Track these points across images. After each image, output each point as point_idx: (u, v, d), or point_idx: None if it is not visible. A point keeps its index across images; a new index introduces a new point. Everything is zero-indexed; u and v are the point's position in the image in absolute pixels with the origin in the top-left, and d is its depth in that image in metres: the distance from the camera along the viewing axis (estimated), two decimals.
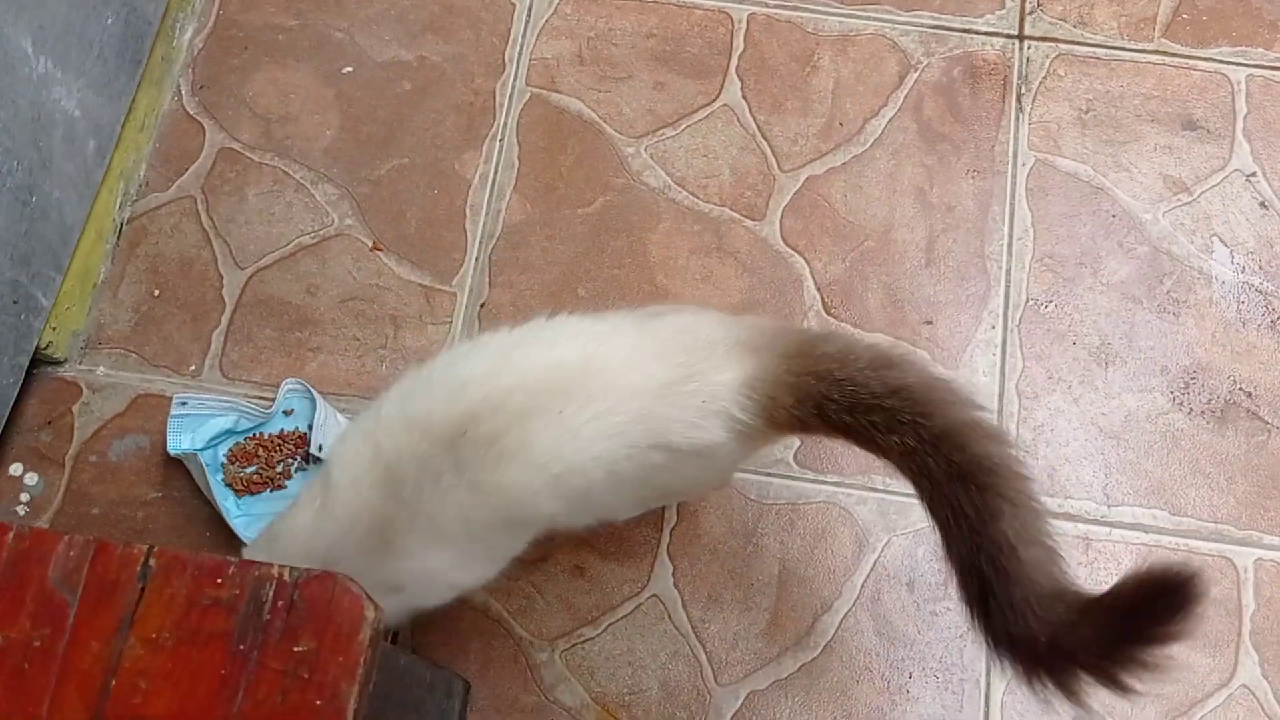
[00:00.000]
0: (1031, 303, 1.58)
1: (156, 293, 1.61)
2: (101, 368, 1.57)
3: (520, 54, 1.75)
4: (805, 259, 1.61)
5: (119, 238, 1.64)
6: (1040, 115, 1.68)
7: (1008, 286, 1.59)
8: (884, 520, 1.48)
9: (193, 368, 1.57)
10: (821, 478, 1.50)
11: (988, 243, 1.61)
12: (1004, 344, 1.56)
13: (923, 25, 1.74)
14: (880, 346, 1.14)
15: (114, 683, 0.71)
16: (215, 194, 1.66)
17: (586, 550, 1.47)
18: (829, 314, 1.58)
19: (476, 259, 1.63)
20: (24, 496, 1.51)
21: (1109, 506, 1.47)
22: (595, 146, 1.69)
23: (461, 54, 1.75)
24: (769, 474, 1.51)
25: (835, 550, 1.47)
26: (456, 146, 1.69)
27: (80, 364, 1.58)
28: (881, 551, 1.46)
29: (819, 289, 1.60)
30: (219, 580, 0.73)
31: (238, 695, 0.70)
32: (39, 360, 1.55)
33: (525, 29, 1.76)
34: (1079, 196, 1.63)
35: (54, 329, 1.54)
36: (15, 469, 1.53)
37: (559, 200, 1.66)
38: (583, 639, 1.44)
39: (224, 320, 1.60)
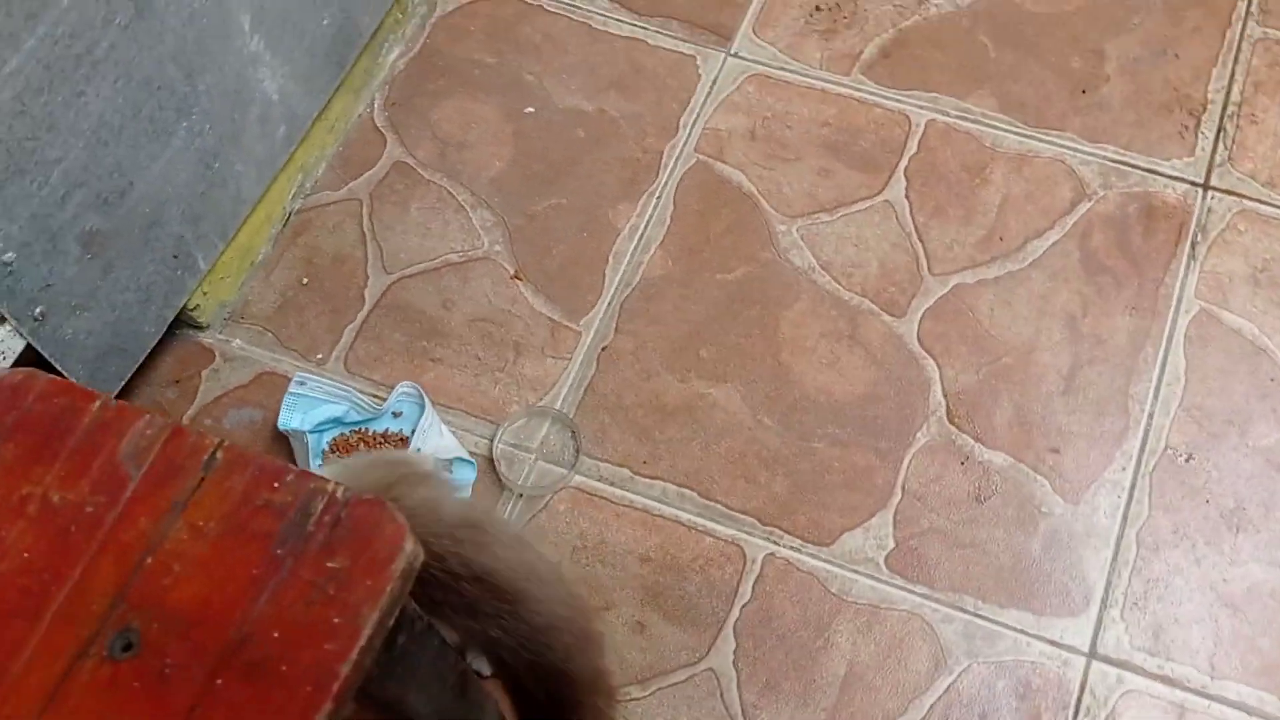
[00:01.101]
0: (1169, 451, 1.49)
1: (305, 281, 1.68)
2: (238, 340, 1.64)
3: (695, 121, 1.78)
4: (938, 363, 1.57)
5: (284, 225, 1.72)
6: (1212, 266, 1.61)
7: (1147, 430, 1.51)
8: (968, 644, 1.39)
9: (319, 356, 1.62)
10: (910, 586, 1.44)
11: (1134, 382, 1.54)
12: (1132, 488, 1.47)
13: (1105, 158, 1.70)
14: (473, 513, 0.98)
15: (149, 560, 0.71)
16: (381, 201, 1.73)
17: (651, 608, 1.43)
18: (952, 422, 1.53)
19: (609, 304, 1.64)
20: None
21: (1213, 678, 1.36)
22: (748, 219, 1.70)
23: (639, 113, 1.79)
24: (855, 570, 1.45)
25: (910, 664, 1.39)
26: (614, 197, 1.72)
27: (220, 333, 1.64)
28: (959, 676, 1.38)
29: (945, 396, 1.55)
30: (275, 484, 0.73)
31: (262, 596, 0.70)
32: (183, 321, 1.62)
33: (705, 100, 1.80)
34: (1239, 354, 1.55)
35: (204, 294, 1.61)
36: None
37: (701, 263, 1.67)
38: (628, 697, 1.39)
39: (359, 317, 1.65)
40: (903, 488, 1.50)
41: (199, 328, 1.64)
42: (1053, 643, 1.39)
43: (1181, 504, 1.46)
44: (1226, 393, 1.53)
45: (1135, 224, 1.65)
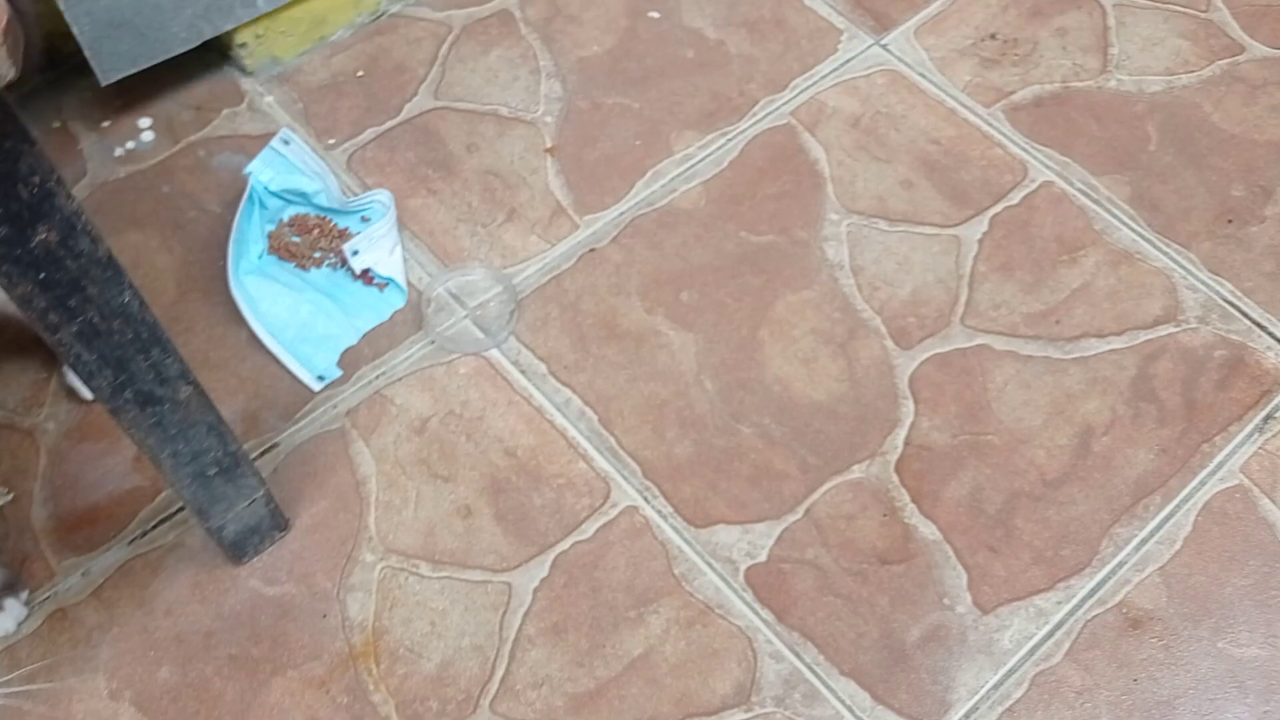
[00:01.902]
0: (1121, 609, 1.23)
1: (360, 74, 1.64)
2: (271, 98, 1.61)
3: (807, 88, 1.64)
4: (917, 410, 1.36)
5: (372, 20, 1.69)
6: (1276, 448, 1.33)
7: (1108, 578, 1.25)
8: (783, 692, 1.18)
9: (331, 141, 1.57)
10: (757, 606, 1.24)
11: (1121, 523, 1.28)
12: (1057, 626, 1.22)
13: (1217, 294, 1.45)
14: None
15: None
16: (469, 37, 1.68)
17: (487, 501, 1.29)
18: (898, 471, 1.32)
19: (621, 213, 1.52)
20: (129, 145, 1.56)
21: None
22: (804, 194, 1.54)
23: (756, 59, 1.67)
24: (710, 564, 1.26)
25: (711, 681, 1.19)
26: (686, 122, 1.60)
27: (259, 84, 1.62)
28: (753, 718, 1.17)
29: (906, 444, 1.34)
30: None
31: None
32: (231, 60, 1.61)
33: (830, 73, 1.66)
34: (1258, 547, 1.27)
35: (258, 37, 1.59)
36: (143, 122, 1.58)
37: (734, 214, 1.52)
38: (415, 570, 1.25)
39: (387, 125, 1.59)
40: (807, 510, 1.30)
41: (244, 71, 1.63)
42: None
43: (1104, 669, 1.20)
44: (1221, 581, 1.25)
45: (1214, 370, 1.39)
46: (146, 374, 0.88)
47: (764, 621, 1.23)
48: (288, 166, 1.48)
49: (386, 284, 1.44)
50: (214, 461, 1.05)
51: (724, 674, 1.20)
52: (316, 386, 1.37)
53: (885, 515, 1.30)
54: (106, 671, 1.19)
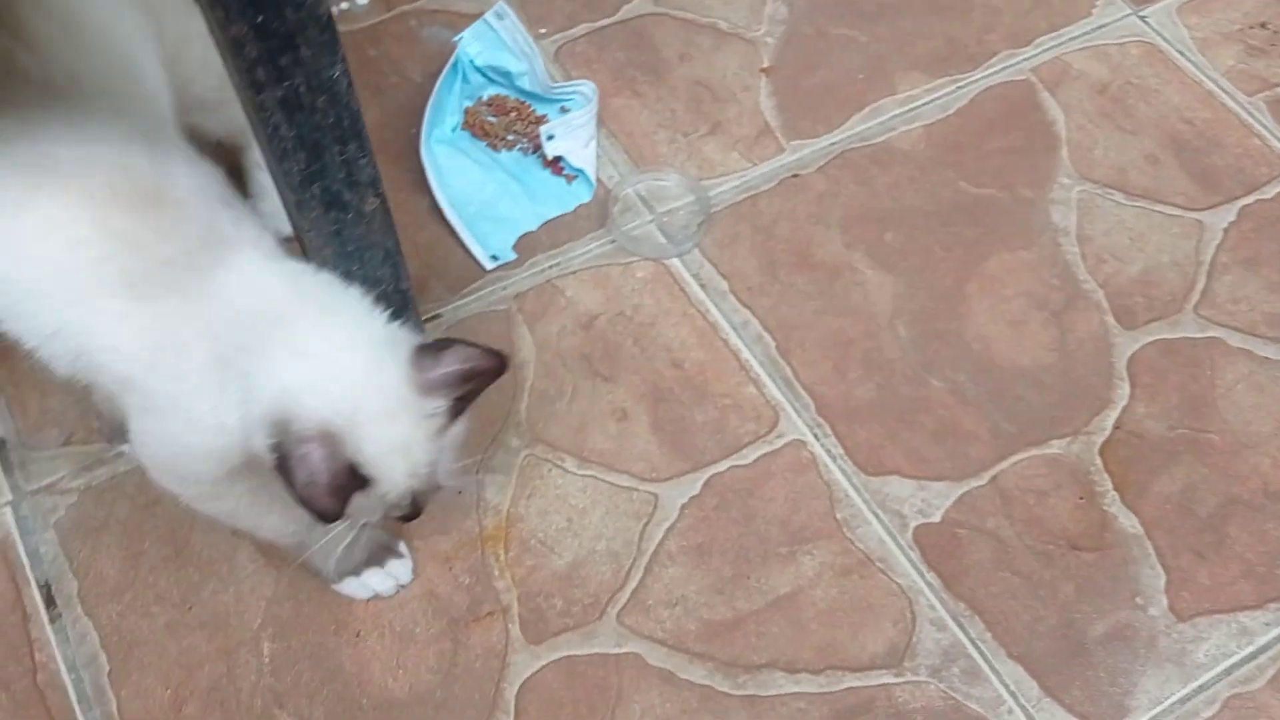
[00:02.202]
0: None
1: None
2: None
3: (1053, 46, 1.51)
4: (1133, 394, 1.22)
5: None
6: None
7: None
8: (940, 661, 1.06)
9: (543, 30, 1.51)
10: (922, 567, 1.12)
11: None
12: (1262, 650, 1.07)
13: None
14: None
15: None
16: None
17: (646, 408, 1.21)
18: (1102, 455, 1.18)
19: (832, 143, 1.42)
20: (344, 5, 1.54)
21: None
22: (1035, 153, 1.41)
23: (999, 9, 1.55)
24: (876, 513, 1.15)
25: (861, 635, 1.08)
26: (913, 63, 1.49)
27: None
28: (903, 683, 1.05)
29: (1117, 427, 1.20)
30: None
31: None
32: None
33: (1079, 35, 1.52)
34: None
35: None
36: None
37: (955, 163, 1.40)
38: (560, 465, 1.18)
39: (600, 22, 1.53)
40: (994, 478, 1.17)
41: None
42: None
43: None
44: None
45: None
46: (338, 170, 0.82)
47: (929, 585, 1.11)
48: (497, 42, 1.43)
49: (575, 176, 1.37)
50: (384, 296, 0.98)
51: (877, 631, 1.08)
52: (489, 265, 1.31)
53: (1082, 498, 1.16)
54: None
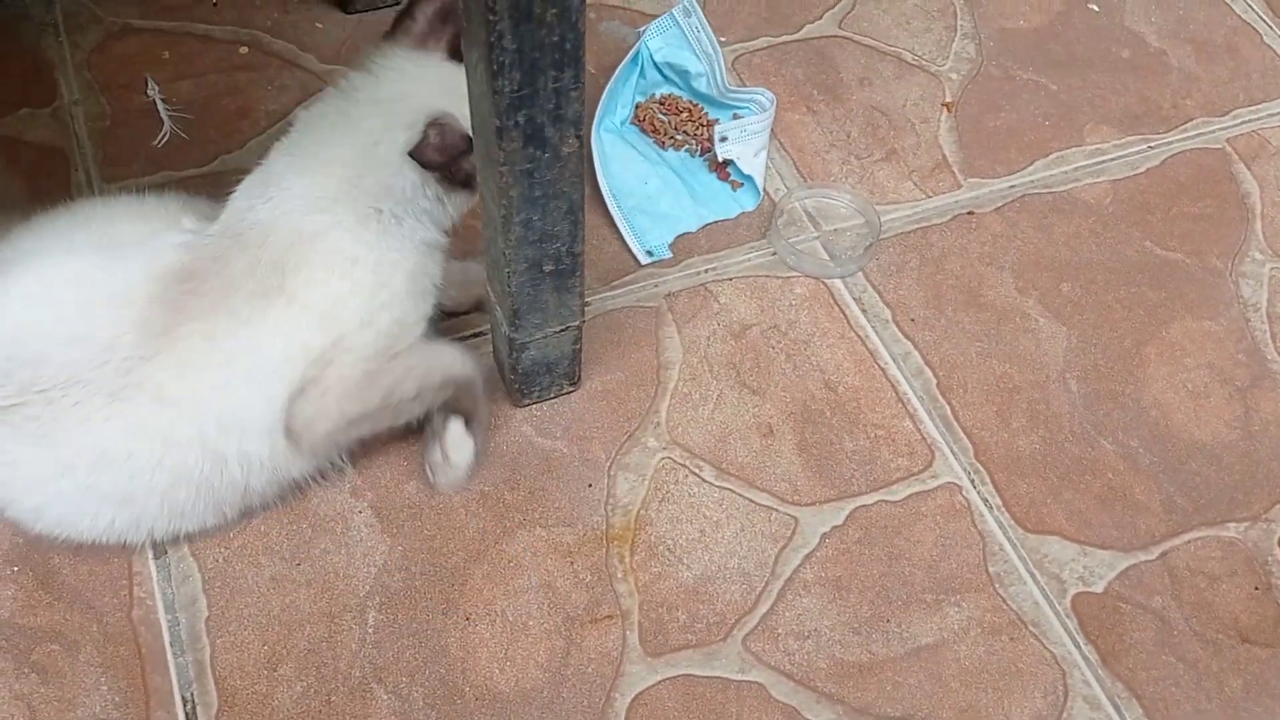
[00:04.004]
0: None
1: None
2: None
3: (1250, 120, 1.43)
4: None
5: None
6: None
7: None
8: None
9: (722, 39, 1.46)
10: (1082, 642, 1.03)
11: None
12: None
13: None
14: None
15: None
16: None
17: (793, 426, 1.14)
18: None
19: (1011, 185, 1.35)
20: None
21: None
22: (1228, 224, 1.33)
23: (1197, 78, 1.48)
24: (1034, 575, 1.06)
25: (1009, 704, 0.98)
26: (1103, 118, 1.42)
27: None
28: None
29: None
30: None
31: None
32: None
33: (1279, 113, 1.44)
34: None
35: None
36: None
37: (1140, 223, 1.33)
38: (697, 472, 1.11)
39: (783, 39, 1.48)
40: (1163, 554, 1.08)
41: None
42: None
43: None
44: None
45: None
46: (548, 98, 0.78)
47: (1085, 659, 1.02)
48: (680, 39, 1.38)
49: (742, 184, 1.32)
50: (555, 255, 0.93)
51: (1024, 700, 0.99)
52: (644, 260, 1.25)
53: (1257, 589, 1.06)
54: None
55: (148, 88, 1.34)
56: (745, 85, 1.41)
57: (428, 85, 0.98)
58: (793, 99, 1.41)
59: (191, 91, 1.35)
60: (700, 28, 1.38)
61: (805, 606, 1.04)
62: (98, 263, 0.95)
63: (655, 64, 1.38)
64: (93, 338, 0.91)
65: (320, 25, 1.43)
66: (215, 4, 1.43)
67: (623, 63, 1.36)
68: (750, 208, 1.31)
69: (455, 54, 0.98)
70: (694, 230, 1.29)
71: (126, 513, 0.96)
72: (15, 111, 1.31)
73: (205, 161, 1.29)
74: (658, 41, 1.38)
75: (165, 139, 1.30)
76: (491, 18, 0.70)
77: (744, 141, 1.31)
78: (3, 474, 0.95)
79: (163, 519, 0.98)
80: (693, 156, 1.34)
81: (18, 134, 1.29)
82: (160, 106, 1.32)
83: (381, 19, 1.42)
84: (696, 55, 1.37)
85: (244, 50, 1.39)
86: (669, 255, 1.26)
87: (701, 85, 1.37)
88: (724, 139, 1.30)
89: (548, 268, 0.94)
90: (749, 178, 1.31)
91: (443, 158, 0.94)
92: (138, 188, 1.12)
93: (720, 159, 1.31)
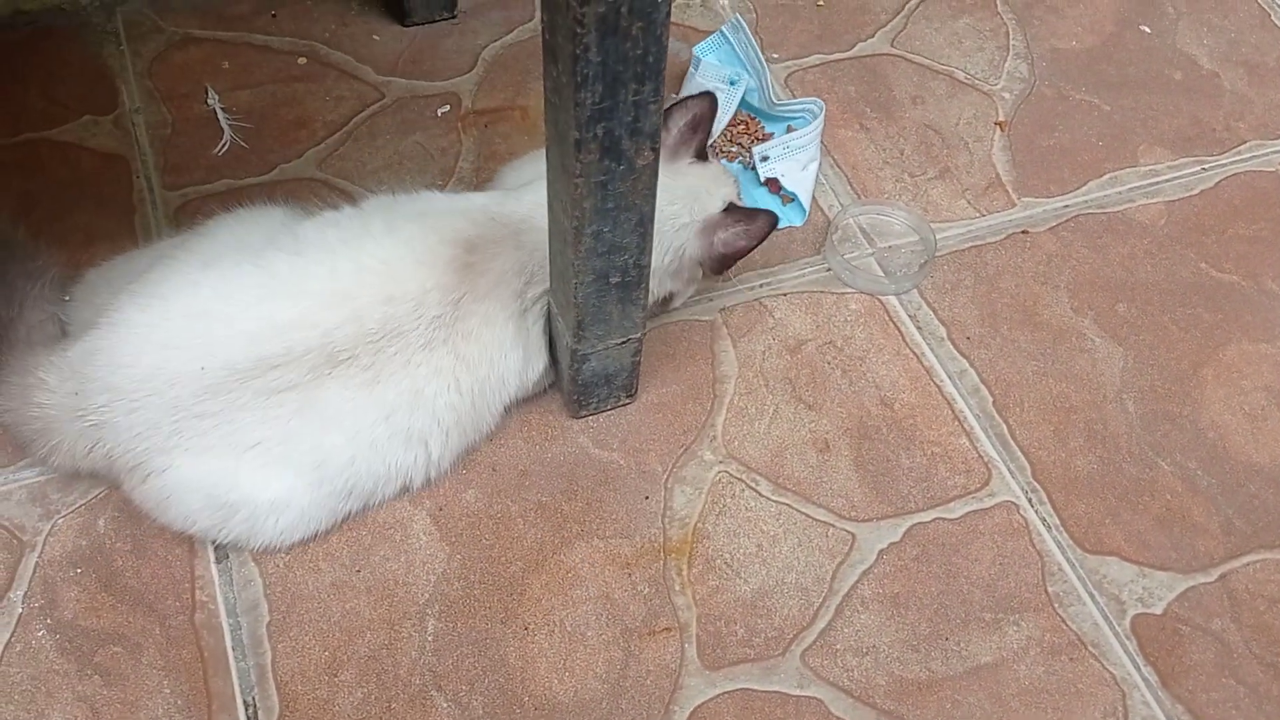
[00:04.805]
0: None
1: (820, 4, 1.54)
2: (725, 1, 1.54)
3: None
4: None
5: None
6: None
7: None
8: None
9: (775, 55, 1.48)
10: (1140, 661, 1.02)
11: None
12: None
13: None
14: None
15: None
16: (942, 0, 1.56)
17: (850, 444, 1.14)
18: None
19: (1066, 205, 1.35)
20: None
21: None
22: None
23: (1251, 100, 1.47)
24: (1092, 594, 1.05)
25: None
26: (1158, 138, 1.42)
27: None
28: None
29: None
30: None
31: None
32: None
33: None
34: None
35: None
36: None
37: (1196, 243, 1.32)
38: (754, 486, 1.11)
39: (835, 55, 1.48)
40: (1223, 576, 1.08)
41: None
42: None
43: None
44: None
45: None
46: (627, 111, 0.78)
47: (1145, 680, 1.01)
48: (730, 55, 1.39)
49: (792, 199, 1.32)
50: (623, 267, 0.94)
51: (1079, 717, 0.99)
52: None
53: None
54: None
55: (208, 97, 1.36)
56: (795, 98, 1.41)
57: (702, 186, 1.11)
58: (846, 116, 1.42)
59: (250, 101, 1.36)
60: (748, 43, 1.39)
61: (863, 623, 1.03)
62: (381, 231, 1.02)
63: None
64: (406, 295, 0.98)
65: (377, 37, 1.44)
66: (274, 15, 1.45)
67: (686, 78, 1.37)
68: (798, 224, 1.31)
69: (700, 155, 1.13)
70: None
71: (423, 453, 1.03)
72: (78, 119, 1.33)
73: (265, 170, 1.30)
74: (710, 57, 1.39)
75: (225, 148, 1.31)
76: (579, 30, 0.71)
77: (787, 159, 1.32)
78: (329, 426, 0.97)
79: (443, 458, 1.06)
80: (745, 170, 1.35)
81: (80, 141, 1.31)
82: (220, 115, 1.34)
83: (438, 31, 1.44)
84: (747, 70, 1.38)
85: (302, 61, 1.41)
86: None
87: (754, 99, 1.37)
88: (765, 158, 1.31)
89: (614, 279, 0.95)
90: (795, 195, 1.31)
91: (729, 260, 1.10)
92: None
93: (763, 179, 1.31)
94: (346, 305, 0.97)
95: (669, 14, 0.73)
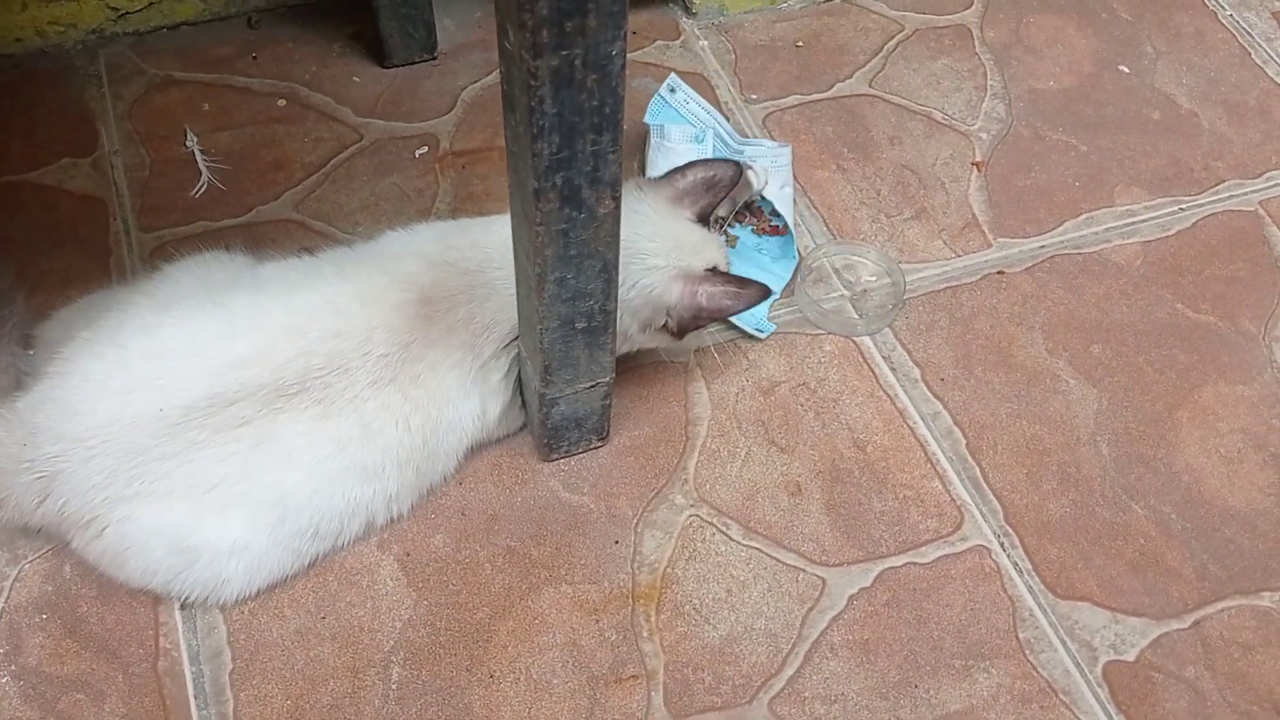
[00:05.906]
0: None
1: (799, 45, 1.55)
2: (705, 43, 1.55)
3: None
4: None
5: (826, 0, 1.61)
6: None
7: None
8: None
9: (754, 96, 1.48)
10: (1114, 711, 1.01)
11: None
12: None
13: None
14: None
15: None
16: (917, 38, 1.57)
17: (822, 485, 1.13)
18: None
19: (1041, 246, 1.35)
20: None
21: None
22: (1260, 287, 1.33)
23: (1230, 139, 1.48)
24: (1063, 641, 1.05)
25: None
26: (1133, 178, 1.42)
27: (698, 28, 1.56)
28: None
29: None
30: None
31: None
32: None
33: None
34: None
35: None
36: None
37: (1170, 284, 1.32)
38: (725, 531, 1.10)
39: (813, 96, 1.49)
40: (1196, 623, 1.07)
41: (688, 12, 1.57)
42: None
43: None
44: None
45: None
46: (586, 161, 0.78)
47: None
48: (674, 117, 1.39)
49: (785, 230, 1.31)
50: (588, 312, 0.94)
51: None
52: (760, 338, 1.24)
53: None
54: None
55: (186, 139, 1.36)
56: (768, 140, 1.41)
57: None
58: (823, 156, 1.42)
59: (229, 143, 1.37)
60: (688, 98, 1.39)
61: (832, 670, 1.03)
62: (329, 273, 1.04)
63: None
64: (353, 332, 0.99)
65: (357, 79, 1.45)
66: (255, 57, 1.46)
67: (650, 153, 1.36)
68: (789, 272, 1.30)
69: (703, 219, 1.12)
70: (778, 295, 1.27)
71: (380, 487, 1.03)
72: (57, 161, 1.33)
73: (241, 212, 1.30)
74: (660, 120, 1.38)
75: (203, 189, 1.32)
76: (533, 83, 0.71)
77: (774, 172, 1.31)
78: (285, 461, 0.97)
79: (401, 494, 1.05)
80: (756, 235, 1.33)
81: (60, 183, 1.31)
82: (199, 157, 1.34)
83: (419, 72, 1.45)
84: (694, 126, 1.37)
85: (282, 103, 1.41)
86: (773, 328, 1.25)
87: (708, 151, 1.36)
88: (751, 164, 1.30)
89: (580, 324, 0.95)
90: (782, 217, 1.30)
91: (702, 317, 1.07)
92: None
93: (756, 191, 1.29)
94: (298, 340, 0.97)
95: (624, 66, 0.74)
